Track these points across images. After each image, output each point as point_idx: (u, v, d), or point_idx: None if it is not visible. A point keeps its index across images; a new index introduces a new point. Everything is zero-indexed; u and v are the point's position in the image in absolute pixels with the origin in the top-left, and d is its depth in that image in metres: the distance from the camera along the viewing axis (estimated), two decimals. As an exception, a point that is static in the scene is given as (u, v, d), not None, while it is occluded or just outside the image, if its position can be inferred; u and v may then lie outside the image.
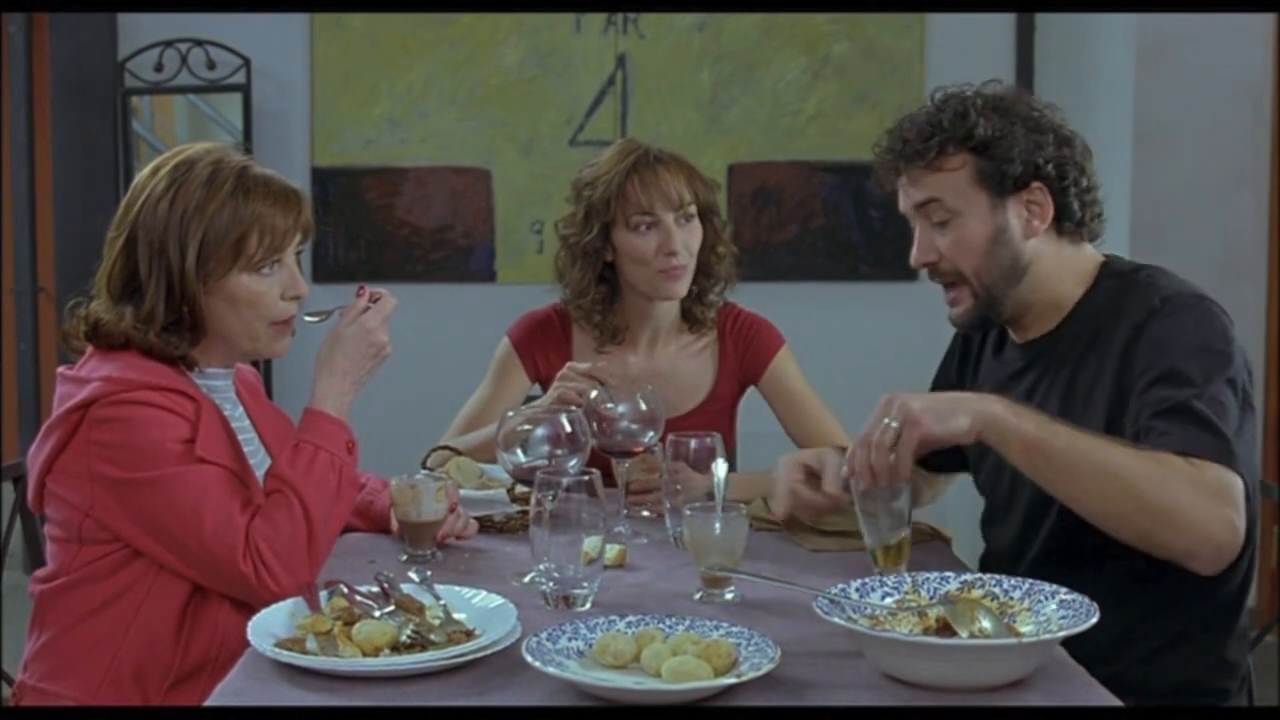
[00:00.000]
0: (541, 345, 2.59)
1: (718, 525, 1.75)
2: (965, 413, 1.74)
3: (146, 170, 1.84)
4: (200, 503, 1.70)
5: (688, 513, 1.77)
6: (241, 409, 1.96)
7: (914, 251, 1.99)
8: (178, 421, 1.73)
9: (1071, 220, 1.95)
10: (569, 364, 2.33)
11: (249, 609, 1.66)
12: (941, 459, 2.21)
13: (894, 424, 1.76)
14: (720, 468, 1.86)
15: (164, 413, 1.72)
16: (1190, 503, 1.65)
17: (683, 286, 2.51)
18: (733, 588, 1.76)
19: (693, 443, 2.06)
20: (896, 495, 1.78)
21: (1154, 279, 1.92)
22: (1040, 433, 1.72)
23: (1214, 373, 1.77)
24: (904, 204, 2.01)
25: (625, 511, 2.20)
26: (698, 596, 1.77)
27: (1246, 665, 1.98)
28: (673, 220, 2.46)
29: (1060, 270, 1.97)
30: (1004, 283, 1.95)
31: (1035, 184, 1.92)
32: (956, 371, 2.20)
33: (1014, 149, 1.91)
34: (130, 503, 1.71)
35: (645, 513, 2.22)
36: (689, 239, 2.48)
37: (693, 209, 2.48)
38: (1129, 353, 1.84)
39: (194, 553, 1.70)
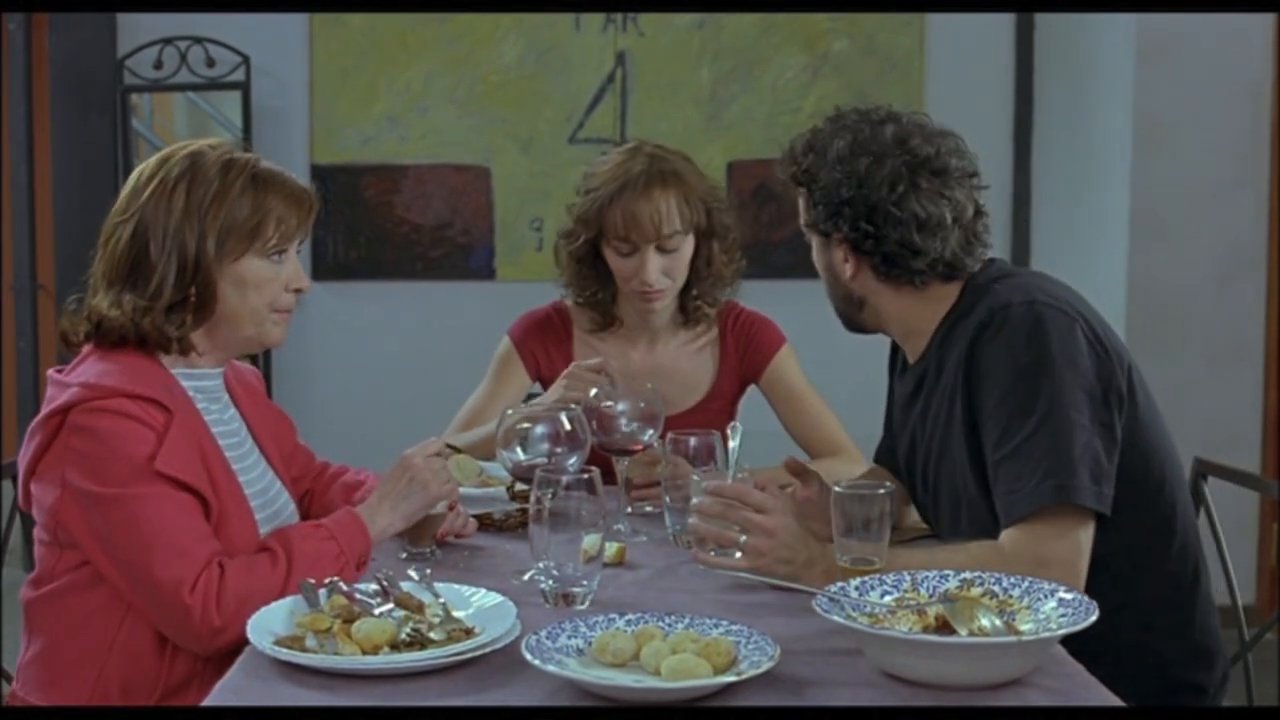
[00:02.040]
0: (542, 342, 2.59)
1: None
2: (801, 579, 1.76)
3: (154, 159, 1.84)
4: (155, 532, 1.68)
5: (695, 477, 1.84)
6: (234, 410, 1.95)
7: None
8: (146, 434, 1.71)
9: (882, 273, 1.93)
10: (574, 363, 2.32)
11: None
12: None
13: (743, 539, 1.78)
14: (736, 433, 1.93)
15: (134, 424, 1.70)
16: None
17: (660, 307, 2.49)
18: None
19: (692, 440, 2.07)
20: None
21: (995, 287, 1.90)
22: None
23: (1047, 390, 1.78)
24: None
25: (629, 509, 2.20)
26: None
27: (1222, 660, 1.98)
28: (652, 249, 2.41)
29: (903, 309, 1.96)
30: (844, 308, 2.02)
31: (835, 235, 1.94)
32: (890, 387, 2.21)
33: (816, 197, 1.94)
34: (90, 515, 1.71)
35: (649, 508, 2.22)
36: (671, 265, 2.43)
37: (678, 239, 2.42)
38: (969, 372, 1.86)
39: (140, 578, 1.68)
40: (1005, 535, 1.79)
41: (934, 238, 1.88)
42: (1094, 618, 1.49)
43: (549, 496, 1.71)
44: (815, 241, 2.00)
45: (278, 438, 2.05)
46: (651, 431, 2.17)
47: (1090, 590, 1.75)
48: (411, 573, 1.72)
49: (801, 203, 1.99)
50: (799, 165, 1.96)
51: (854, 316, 2.03)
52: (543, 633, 1.50)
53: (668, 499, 2.04)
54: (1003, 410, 1.81)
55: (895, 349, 2.16)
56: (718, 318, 2.61)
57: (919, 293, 1.94)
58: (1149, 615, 1.90)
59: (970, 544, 1.81)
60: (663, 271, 2.43)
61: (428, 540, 1.99)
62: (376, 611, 1.57)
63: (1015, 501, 1.79)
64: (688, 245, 2.46)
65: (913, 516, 2.25)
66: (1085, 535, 1.78)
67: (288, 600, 1.64)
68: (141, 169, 1.85)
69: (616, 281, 2.49)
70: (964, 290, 1.94)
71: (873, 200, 1.88)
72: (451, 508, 2.02)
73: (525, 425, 2.03)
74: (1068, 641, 1.51)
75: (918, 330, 1.98)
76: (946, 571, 1.65)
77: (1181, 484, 1.96)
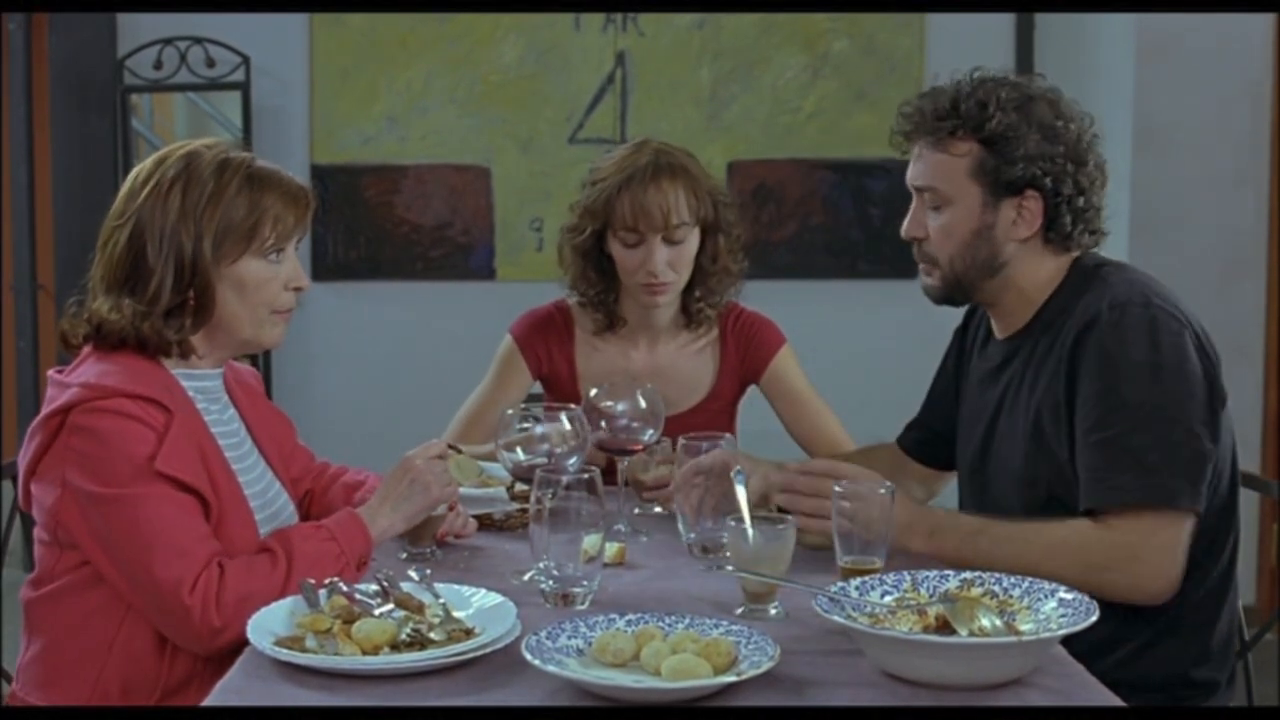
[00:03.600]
0: (544, 340, 2.59)
1: (753, 538, 1.73)
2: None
3: (149, 161, 1.84)
4: (155, 532, 1.68)
5: (732, 523, 1.76)
6: (233, 410, 1.95)
7: (906, 222, 2.04)
8: (147, 434, 1.71)
9: (1059, 233, 1.97)
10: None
11: None
12: (937, 454, 2.23)
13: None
14: (741, 492, 1.82)
15: (135, 424, 1.70)
16: (1111, 581, 1.74)
17: (666, 301, 2.48)
18: (777, 603, 1.71)
19: (704, 445, 2.00)
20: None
21: (1110, 278, 1.93)
22: (959, 552, 1.80)
23: (1157, 390, 1.81)
24: (909, 175, 2.04)
25: (637, 509, 2.20)
26: (739, 611, 1.71)
27: (1234, 659, 1.98)
28: (659, 240, 2.41)
29: (1036, 273, 1.99)
30: (976, 275, 2.00)
31: (1030, 192, 1.94)
32: (954, 368, 2.22)
33: (1019, 152, 1.93)
34: (90, 515, 1.71)
35: (658, 509, 2.21)
36: (676, 257, 2.43)
37: (685, 229, 2.42)
38: (1075, 357, 1.88)
39: (140, 578, 1.68)
40: (1107, 522, 1.80)
41: (1104, 200, 1.99)
42: (1094, 618, 1.49)
43: (549, 496, 1.71)
44: (974, 199, 1.96)
45: (277, 438, 2.05)
46: (651, 431, 2.17)
47: None
48: (411, 573, 1.72)
49: (965, 161, 1.95)
50: (994, 120, 1.93)
51: (976, 284, 2.01)
52: (543, 633, 1.50)
53: (684, 508, 1.98)
54: (1106, 399, 1.83)
55: (969, 318, 2.18)
56: (718, 318, 2.61)
57: (1061, 259, 1.99)
58: (1183, 610, 1.89)
59: (1066, 521, 1.83)
60: (668, 264, 2.43)
61: (428, 540, 1.99)
62: (376, 612, 1.57)
63: (1109, 489, 1.81)
64: (693, 239, 2.46)
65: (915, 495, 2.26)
66: (1184, 533, 1.81)
67: (288, 600, 1.64)
68: (137, 171, 1.85)
69: (620, 276, 2.49)
70: (1070, 270, 1.99)
71: (1083, 159, 1.95)
72: (451, 508, 2.02)
73: (525, 426, 2.03)
74: (1091, 630, 1.51)
75: (1030, 301, 2.00)
76: (947, 572, 1.65)
77: (1238, 491, 1.98)
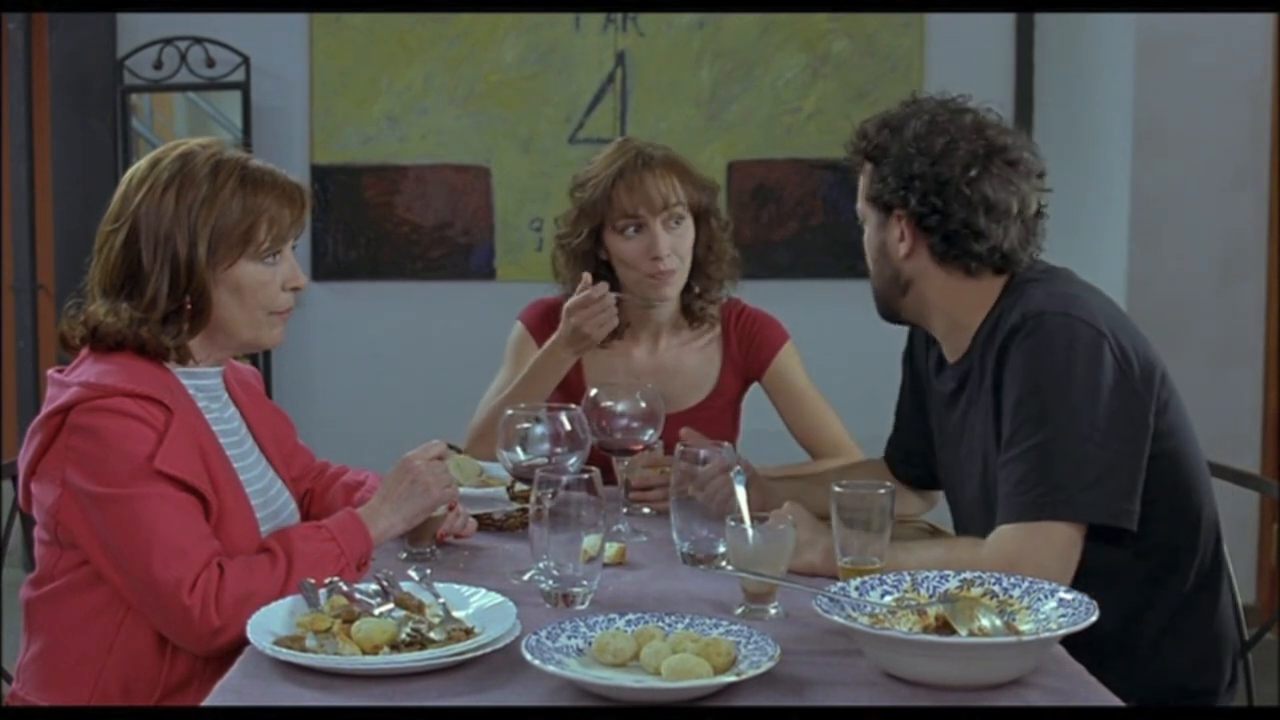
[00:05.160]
0: (553, 329, 2.58)
1: (752, 538, 1.73)
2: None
3: (144, 163, 1.83)
4: (155, 532, 1.68)
5: (731, 523, 1.75)
6: (233, 409, 1.95)
7: None
8: (147, 433, 1.71)
9: (942, 254, 1.93)
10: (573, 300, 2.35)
11: None
12: (919, 475, 2.22)
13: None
14: (740, 491, 1.82)
15: (135, 423, 1.70)
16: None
17: (673, 290, 2.49)
18: (777, 603, 1.71)
19: (702, 453, 1.96)
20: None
21: (1031, 290, 1.89)
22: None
23: (1064, 405, 1.78)
24: None
25: (626, 509, 2.20)
26: (739, 611, 1.71)
27: (1233, 668, 1.98)
28: (659, 224, 2.43)
29: (950, 297, 1.96)
30: (888, 291, 2.02)
31: (897, 211, 1.93)
32: (911, 392, 2.20)
33: (884, 172, 1.93)
34: (91, 514, 1.71)
35: (646, 510, 2.22)
36: (677, 242, 2.45)
37: (681, 210, 2.45)
38: (999, 372, 1.86)
39: (139, 578, 1.68)
40: (993, 533, 1.80)
41: (997, 225, 1.90)
42: (1094, 617, 1.49)
43: (549, 496, 1.71)
44: (872, 219, 1.99)
45: (278, 437, 2.05)
46: (651, 431, 2.17)
47: (1113, 596, 1.75)
48: (411, 573, 1.72)
49: (864, 180, 1.99)
50: (870, 140, 1.95)
51: (895, 302, 2.02)
52: (543, 633, 1.50)
53: (677, 518, 1.95)
54: (1017, 415, 1.81)
55: (912, 343, 2.16)
56: (721, 315, 2.61)
57: (969, 281, 1.94)
58: (1167, 622, 1.89)
59: (954, 539, 1.84)
60: (671, 249, 2.44)
61: (428, 540, 1.99)
62: (376, 611, 1.57)
63: (1009, 505, 1.80)
64: (689, 227, 2.48)
65: (910, 509, 2.26)
66: (1069, 546, 1.77)
67: (288, 600, 1.64)
68: (132, 172, 1.84)
69: (621, 273, 2.48)
70: (1006, 288, 1.94)
71: (945, 177, 1.89)
72: (451, 508, 2.02)
73: (525, 425, 2.03)
74: (1081, 647, 1.51)
75: (961, 324, 1.97)
76: (947, 571, 1.65)
77: (1208, 491, 1.95)
